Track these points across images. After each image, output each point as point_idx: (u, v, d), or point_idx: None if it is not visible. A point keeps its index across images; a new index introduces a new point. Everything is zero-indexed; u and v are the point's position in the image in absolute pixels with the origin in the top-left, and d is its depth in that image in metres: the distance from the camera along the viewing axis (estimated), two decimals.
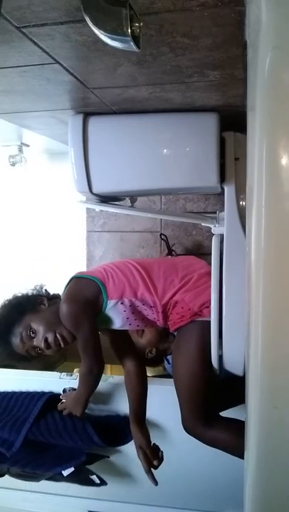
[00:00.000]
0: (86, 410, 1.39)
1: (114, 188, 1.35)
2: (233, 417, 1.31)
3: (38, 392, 1.53)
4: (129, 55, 0.88)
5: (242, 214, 1.24)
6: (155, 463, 1.29)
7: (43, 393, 1.51)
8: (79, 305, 1.30)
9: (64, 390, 1.51)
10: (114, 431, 1.47)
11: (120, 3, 0.60)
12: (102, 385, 1.46)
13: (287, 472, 0.63)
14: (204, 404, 1.27)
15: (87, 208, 2.12)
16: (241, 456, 1.17)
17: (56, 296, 1.42)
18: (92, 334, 1.29)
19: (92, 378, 1.32)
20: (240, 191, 1.26)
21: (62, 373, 1.55)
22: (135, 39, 0.62)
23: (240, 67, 0.95)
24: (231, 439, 1.22)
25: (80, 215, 2.27)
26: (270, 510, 0.67)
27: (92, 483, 1.57)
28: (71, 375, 1.53)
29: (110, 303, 1.31)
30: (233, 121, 1.22)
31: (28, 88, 1.11)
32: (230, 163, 1.27)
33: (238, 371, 1.25)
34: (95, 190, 1.34)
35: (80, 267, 2.24)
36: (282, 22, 0.54)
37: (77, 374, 1.47)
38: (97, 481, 1.56)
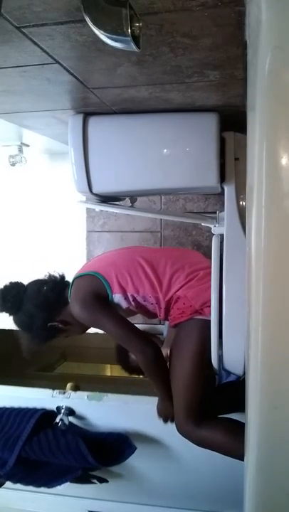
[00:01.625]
0: (81, 428, 1.36)
1: (114, 188, 1.35)
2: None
3: (30, 409, 1.50)
4: (129, 55, 0.88)
5: (242, 214, 1.24)
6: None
7: (36, 410, 1.48)
8: (89, 301, 1.30)
9: (58, 408, 1.48)
10: (110, 450, 1.44)
11: (120, 3, 0.60)
12: (97, 404, 1.45)
13: (287, 472, 0.63)
14: (198, 402, 1.27)
15: (87, 208, 2.12)
16: (234, 457, 1.17)
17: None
18: (118, 321, 1.28)
19: (152, 364, 1.26)
20: (240, 191, 1.26)
21: (55, 391, 1.52)
22: (135, 39, 0.62)
23: (240, 67, 0.95)
24: (223, 441, 1.22)
25: (80, 215, 2.27)
26: (270, 510, 0.67)
27: (92, 483, 1.57)
28: (64, 393, 1.50)
29: (115, 297, 1.33)
30: (233, 121, 1.22)
31: (28, 88, 1.11)
32: (230, 163, 1.27)
33: (238, 371, 1.25)
34: (95, 190, 1.34)
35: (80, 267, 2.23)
36: (282, 22, 0.54)
37: (70, 392, 1.44)
38: (97, 482, 1.56)
